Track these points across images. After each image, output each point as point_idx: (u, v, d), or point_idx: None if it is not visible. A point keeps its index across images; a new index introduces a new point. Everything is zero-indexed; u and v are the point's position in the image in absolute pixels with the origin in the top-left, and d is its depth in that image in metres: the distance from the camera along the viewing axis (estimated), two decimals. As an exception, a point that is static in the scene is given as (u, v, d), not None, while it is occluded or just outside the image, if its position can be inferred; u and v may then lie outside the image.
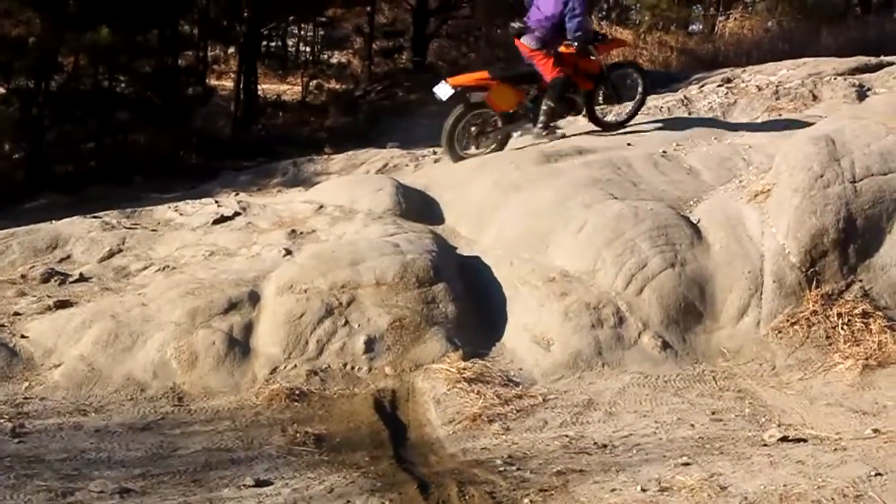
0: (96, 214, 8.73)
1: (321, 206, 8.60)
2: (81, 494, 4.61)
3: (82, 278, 7.48)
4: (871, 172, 7.10)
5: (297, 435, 5.46)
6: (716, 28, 20.60)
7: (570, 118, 10.06)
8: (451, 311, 6.72)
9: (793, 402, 5.88)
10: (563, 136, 9.59)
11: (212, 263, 7.49)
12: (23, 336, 6.46)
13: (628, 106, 10.03)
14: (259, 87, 17.15)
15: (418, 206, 8.58)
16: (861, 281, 6.83)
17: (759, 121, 10.90)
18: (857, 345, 6.41)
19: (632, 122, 9.98)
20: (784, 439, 5.18)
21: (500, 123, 9.58)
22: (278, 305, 6.62)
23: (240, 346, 6.38)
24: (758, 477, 4.66)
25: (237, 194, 10.54)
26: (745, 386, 6.13)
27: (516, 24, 9.52)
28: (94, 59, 13.98)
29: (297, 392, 6.04)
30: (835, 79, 12.02)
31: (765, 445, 5.15)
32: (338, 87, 18.57)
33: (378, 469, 5.03)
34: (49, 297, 7.05)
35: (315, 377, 6.22)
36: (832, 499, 4.38)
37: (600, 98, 9.94)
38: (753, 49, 17.59)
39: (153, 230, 8.41)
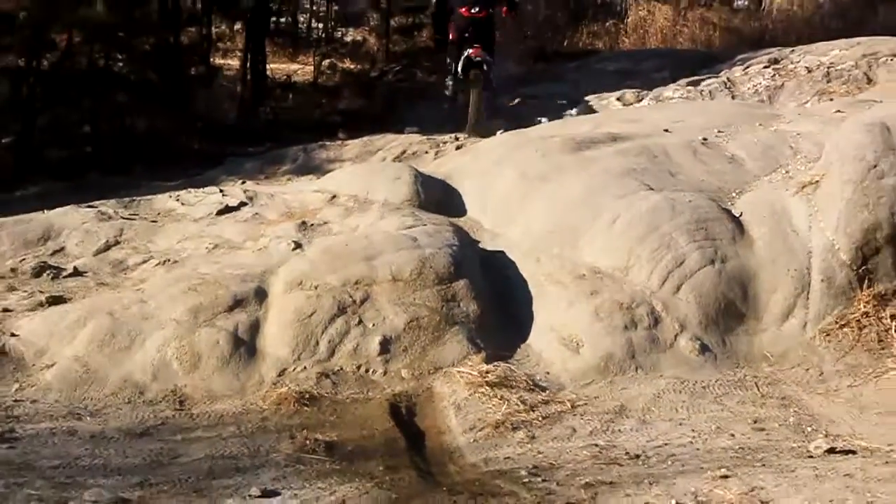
0: (92, 204, 8.80)
1: (334, 196, 8.65)
2: (75, 504, 4.67)
3: (76, 272, 7.55)
4: (930, 163, 7.06)
5: (307, 442, 5.49)
6: (763, 4, 20.51)
7: (604, 101, 10.08)
8: (472, 309, 6.76)
9: (841, 410, 5.86)
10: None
11: (215, 257, 7.55)
12: (13, 334, 6.51)
13: None
14: (267, 66, 17.13)
15: (438, 197, 8.62)
16: (918, 281, 6.81)
17: (808, 105, 10.88)
18: (913, 349, 6.40)
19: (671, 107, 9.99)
20: (831, 451, 5.17)
21: None
22: (287, 303, 6.67)
23: (245, 346, 6.43)
24: (802, 491, 4.66)
25: (243, 182, 10.59)
26: (790, 393, 6.12)
27: None
28: (88, 36, 13.99)
29: (307, 396, 6.08)
30: (891, 60, 11.99)
31: (810, 457, 5.15)
32: (352, 66, 18.51)
33: (393, 479, 5.06)
34: (41, 292, 7.12)
35: (326, 380, 6.27)
36: (883, 515, 4.39)
37: None
38: (804, 27, 17.52)
39: (153, 221, 8.48)
